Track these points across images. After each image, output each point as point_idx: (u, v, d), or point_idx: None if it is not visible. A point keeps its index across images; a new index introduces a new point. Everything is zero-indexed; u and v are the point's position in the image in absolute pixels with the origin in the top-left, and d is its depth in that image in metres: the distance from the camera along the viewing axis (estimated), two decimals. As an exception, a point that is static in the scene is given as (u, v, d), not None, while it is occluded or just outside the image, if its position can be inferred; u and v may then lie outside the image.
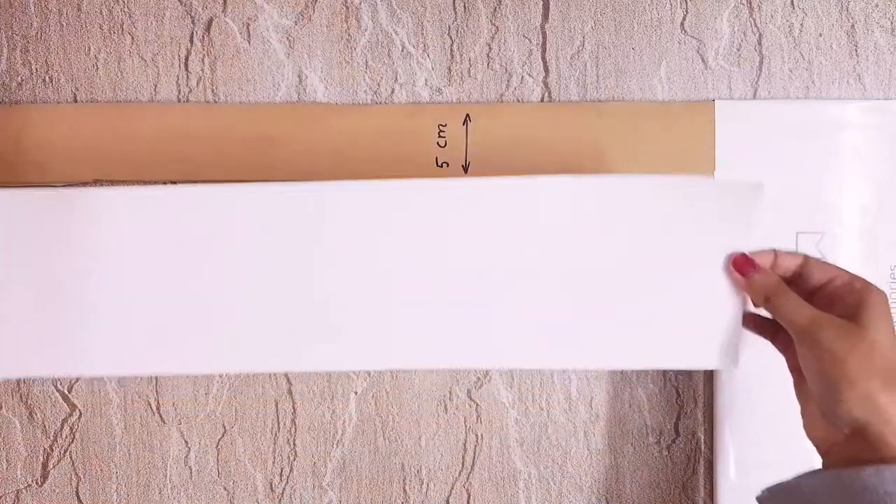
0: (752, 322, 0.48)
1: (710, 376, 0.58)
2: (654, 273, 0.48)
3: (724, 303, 0.48)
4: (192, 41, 0.57)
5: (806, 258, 0.46)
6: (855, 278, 0.44)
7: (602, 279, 0.48)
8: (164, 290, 0.48)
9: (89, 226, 0.48)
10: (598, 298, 0.48)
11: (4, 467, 0.58)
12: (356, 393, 0.58)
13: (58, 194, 0.47)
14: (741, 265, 0.46)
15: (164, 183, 0.56)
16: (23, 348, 0.48)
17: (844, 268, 0.45)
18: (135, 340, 0.48)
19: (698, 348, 0.48)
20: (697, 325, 0.48)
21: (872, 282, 0.44)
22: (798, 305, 0.44)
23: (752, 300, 0.46)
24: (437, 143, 0.57)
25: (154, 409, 0.58)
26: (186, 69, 0.57)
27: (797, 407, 0.46)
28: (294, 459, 0.58)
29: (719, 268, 0.47)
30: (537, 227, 0.48)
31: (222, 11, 0.57)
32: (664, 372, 0.58)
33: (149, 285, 0.48)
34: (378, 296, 0.48)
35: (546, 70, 0.57)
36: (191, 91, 0.57)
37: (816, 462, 0.43)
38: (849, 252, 0.57)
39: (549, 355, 0.48)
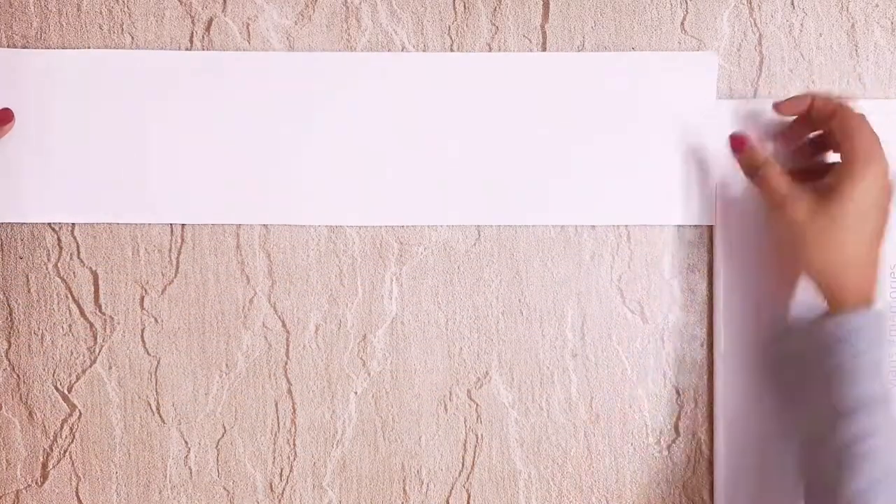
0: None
1: (710, 374, 0.58)
2: (631, 139, 0.56)
3: (697, 163, 0.56)
4: (191, 41, 0.57)
5: (812, 101, 0.52)
6: (849, 138, 0.50)
7: (584, 146, 0.56)
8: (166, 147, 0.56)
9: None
10: (583, 162, 0.56)
11: (4, 467, 0.58)
12: (356, 393, 0.58)
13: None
14: (735, 142, 0.54)
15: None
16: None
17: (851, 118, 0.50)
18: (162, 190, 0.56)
19: (675, 205, 0.57)
20: (675, 185, 0.56)
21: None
22: (777, 182, 0.50)
23: (743, 172, 0.53)
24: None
25: (154, 409, 0.58)
26: (186, 69, 0.57)
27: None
28: (294, 459, 0.58)
29: (691, 129, 0.56)
30: (520, 100, 0.56)
31: (222, 11, 0.57)
32: (664, 372, 0.58)
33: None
34: (370, 159, 0.56)
35: (546, 70, 0.57)
36: (191, 91, 0.57)
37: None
38: None
39: (546, 212, 0.57)
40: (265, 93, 0.56)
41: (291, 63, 0.56)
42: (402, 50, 0.57)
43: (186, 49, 0.57)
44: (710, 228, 0.57)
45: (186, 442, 0.58)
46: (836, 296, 0.49)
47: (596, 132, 0.56)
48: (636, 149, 0.56)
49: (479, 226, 0.57)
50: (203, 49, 0.57)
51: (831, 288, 0.49)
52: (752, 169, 0.53)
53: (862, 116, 0.50)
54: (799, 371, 0.50)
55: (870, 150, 0.49)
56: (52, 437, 0.58)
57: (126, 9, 0.57)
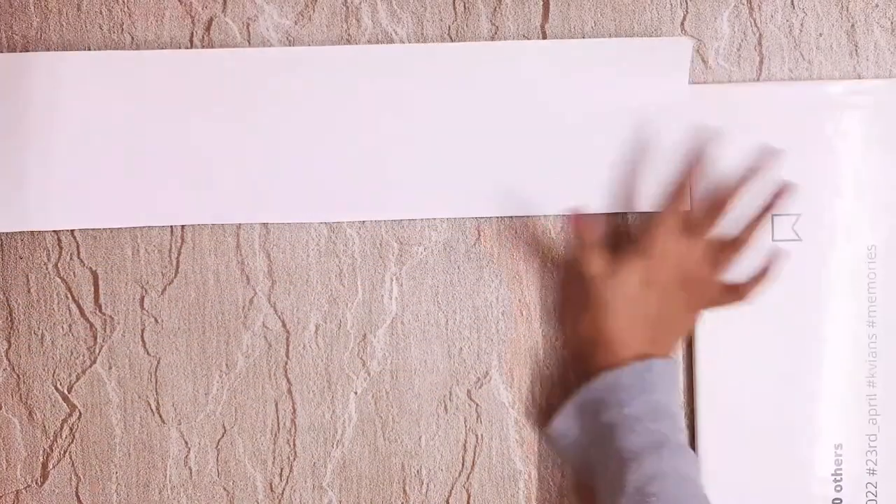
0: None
1: (690, 355, 0.58)
2: (603, 125, 0.56)
3: (667, 151, 0.56)
4: (191, 41, 0.57)
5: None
6: (656, 224, 0.54)
7: (555, 132, 0.56)
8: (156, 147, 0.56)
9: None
10: (553, 150, 0.56)
11: (4, 467, 0.58)
12: (356, 393, 0.58)
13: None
14: (574, 219, 0.55)
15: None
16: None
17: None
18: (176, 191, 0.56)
19: (648, 192, 0.56)
20: (649, 171, 0.56)
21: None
22: (594, 258, 0.54)
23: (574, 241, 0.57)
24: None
25: (154, 409, 0.58)
26: (186, 69, 0.57)
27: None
28: (294, 459, 0.58)
29: (665, 115, 0.55)
30: (495, 89, 0.56)
31: (222, 11, 0.57)
32: (664, 372, 0.58)
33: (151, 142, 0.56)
34: (366, 151, 0.56)
35: (546, 70, 0.57)
36: (191, 91, 0.57)
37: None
38: (826, 233, 0.57)
39: (527, 202, 0.56)
40: (263, 90, 0.56)
41: (288, 59, 0.56)
42: (402, 50, 0.57)
43: (186, 49, 0.57)
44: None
45: (186, 442, 0.58)
46: (603, 356, 0.52)
47: (573, 120, 0.56)
48: (612, 136, 0.56)
49: (478, 221, 0.57)
50: (203, 49, 0.57)
51: (600, 348, 0.53)
52: (580, 243, 0.54)
53: (663, 217, 0.54)
54: (582, 431, 0.53)
55: (638, 254, 0.53)
56: (52, 437, 0.58)
57: (126, 9, 0.57)
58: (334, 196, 0.57)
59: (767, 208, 0.54)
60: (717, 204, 0.54)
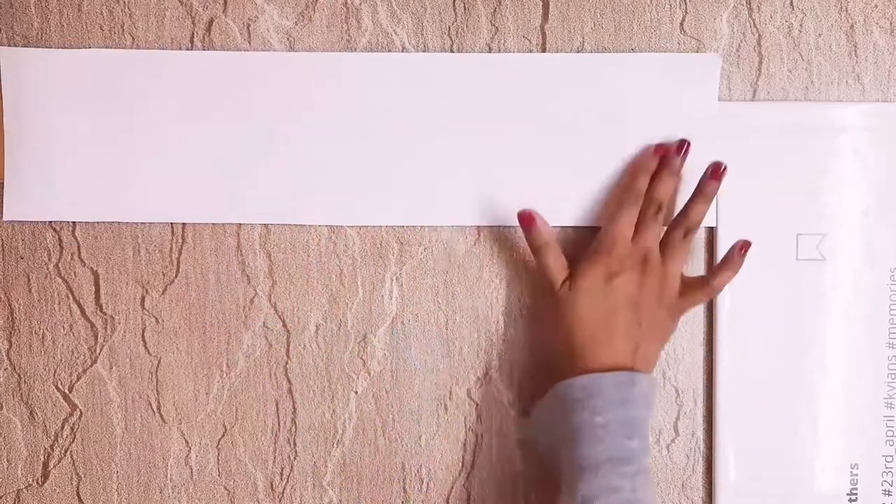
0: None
1: (710, 373, 0.58)
2: (633, 141, 0.56)
3: (697, 165, 0.55)
4: (192, 42, 0.57)
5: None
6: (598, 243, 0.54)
7: (584, 148, 0.56)
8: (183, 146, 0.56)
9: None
10: (583, 165, 0.56)
11: (5, 467, 0.58)
12: (356, 393, 0.58)
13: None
14: (523, 219, 0.54)
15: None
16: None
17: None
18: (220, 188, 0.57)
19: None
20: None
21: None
22: (551, 260, 0.54)
23: (529, 246, 0.55)
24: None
25: (154, 408, 0.58)
26: (187, 69, 0.57)
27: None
28: (294, 459, 0.58)
29: (692, 132, 0.55)
30: (521, 101, 0.56)
31: (223, 12, 0.57)
32: (664, 372, 0.58)
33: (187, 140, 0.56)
34: (377, 158, 0.56)
35: (546, 70, 0.57)
36: (191, 91, 0.57)
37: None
38: (849, 254, 0.57)
39: (547, 215, 0.56)
40: (265, 93, 0.56)
41: (291, 63, 0.56)
42: (403, 50, 0.57)
43: (187, 49, 0.57)
44: (712, 230, 0.57)
45: (187, 441, 0.58)
46: (580, 364, 0.51)
47: (597, 134, 0.56)
48: (638, 151, 0.56)
49: (479, 226, 0.58)
50: (203, 49, 0.57)
51: (576, 356, 0.52)
52: (534, 245, 0.54)
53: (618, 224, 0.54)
54: (551, 430, 0.52)
55: (595, 251, 0.53)
56: (52, 437, 0.58)
57: (127, 9, 0.57)
58: (334, 199, 0.57)
59: (702, 190, 0.54)
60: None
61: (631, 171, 0.55)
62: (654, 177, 0.54)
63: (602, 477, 0.47)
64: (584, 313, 0.52)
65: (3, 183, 0.57)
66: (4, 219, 0.57)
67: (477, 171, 0.56)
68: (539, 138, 0.56)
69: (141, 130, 0.56)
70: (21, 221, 0.57)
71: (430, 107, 0.56)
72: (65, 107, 0.56)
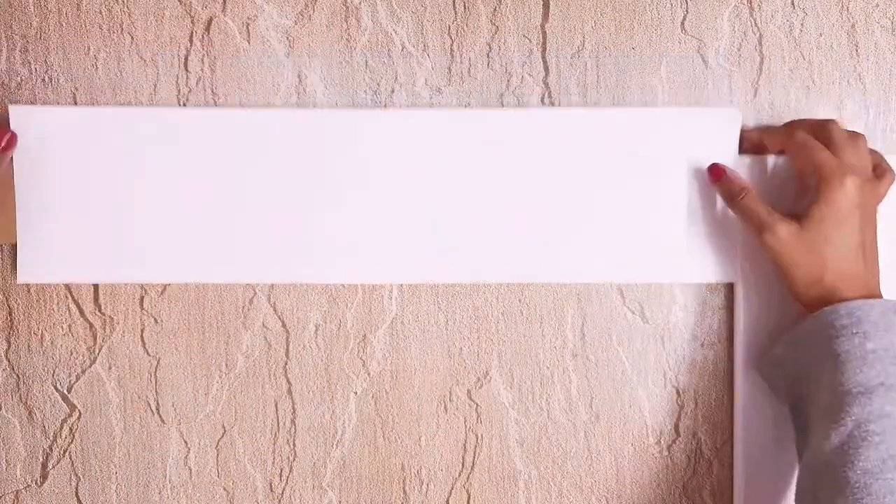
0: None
1: (721, 378, 0.58)
2: (651, 194, 0.56)
3: (718, 220, 0.56)
4: (191, 41, 0.57)
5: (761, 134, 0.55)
6: (819, 168, 0.50)
7: (602, 201, 0.56)
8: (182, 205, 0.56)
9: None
10: (600, 219, 0.56)
11: (4, 467, 0.58)
12: (356, 393, 0.58)
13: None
14: (713, 172, 0.54)
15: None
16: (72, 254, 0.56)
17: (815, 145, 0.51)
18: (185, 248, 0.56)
19: (699, 263, 0.56)
20: (696, 242, 0.56)
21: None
22: (752, 210, 0.52)
23: (723, 199, 0.55)
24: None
25: (154, 409, 0.58)
26: (186, 69, 0.57)
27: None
28: (294, 460, 0.58)
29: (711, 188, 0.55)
30: (535, 156, 0.55)
31: (222, 11, 0.57)
32: (664, 372, 0.58)
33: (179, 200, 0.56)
34: (380, 215, 0.56)
35: (546, 70, 0.57)
36: (190, 91, 0.57)
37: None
38: None
39: (558, 269, 0.56)
40: (267, 150, 0.55)
41: (294, 120, 0.55)
42: (402, 50, 0.57)
43: (186, 52, 0.57)
44: (731, 286, 0.57)
45: (186, 442, 0.58)
46: (836, 294, 0.50)
47: (615, 190, 0.56)
48: (656, 205, 0.56)
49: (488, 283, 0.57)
50: (203, 49, 0.57)
51: (825, 285, 0.51)
52: (731, 196, 0.54)
53: (807, 139, 0.52)
54: (806, 359, 0.51)
55: (827, 169, 0.50)
56: (51, 438, 0.58)
57: (126, 9, 0.57)
58: (336, 257, 0.56)
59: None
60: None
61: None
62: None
63: (876, 401, 0.47)
64: (835, 241, 0.50)
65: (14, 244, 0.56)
66: (18, 281, 0.56)
67: (493, 228, 0.56)
68: (554, 194, 0.56)
69: (138, 190, 0.55)
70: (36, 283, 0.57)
71: (441, 163, 0.55)
72: (62, 166, 0.55)
